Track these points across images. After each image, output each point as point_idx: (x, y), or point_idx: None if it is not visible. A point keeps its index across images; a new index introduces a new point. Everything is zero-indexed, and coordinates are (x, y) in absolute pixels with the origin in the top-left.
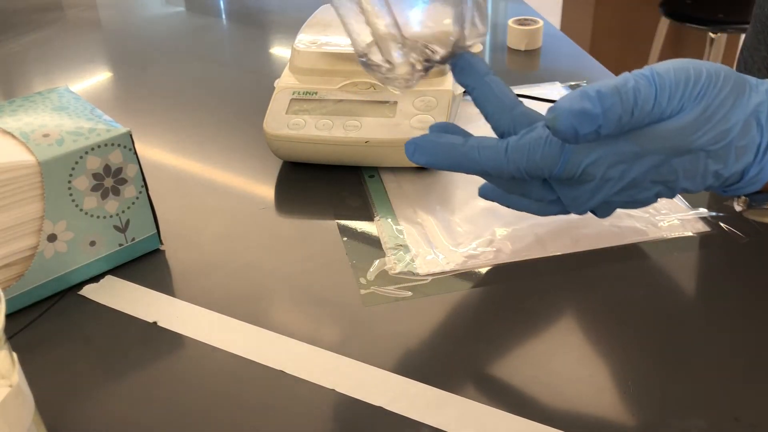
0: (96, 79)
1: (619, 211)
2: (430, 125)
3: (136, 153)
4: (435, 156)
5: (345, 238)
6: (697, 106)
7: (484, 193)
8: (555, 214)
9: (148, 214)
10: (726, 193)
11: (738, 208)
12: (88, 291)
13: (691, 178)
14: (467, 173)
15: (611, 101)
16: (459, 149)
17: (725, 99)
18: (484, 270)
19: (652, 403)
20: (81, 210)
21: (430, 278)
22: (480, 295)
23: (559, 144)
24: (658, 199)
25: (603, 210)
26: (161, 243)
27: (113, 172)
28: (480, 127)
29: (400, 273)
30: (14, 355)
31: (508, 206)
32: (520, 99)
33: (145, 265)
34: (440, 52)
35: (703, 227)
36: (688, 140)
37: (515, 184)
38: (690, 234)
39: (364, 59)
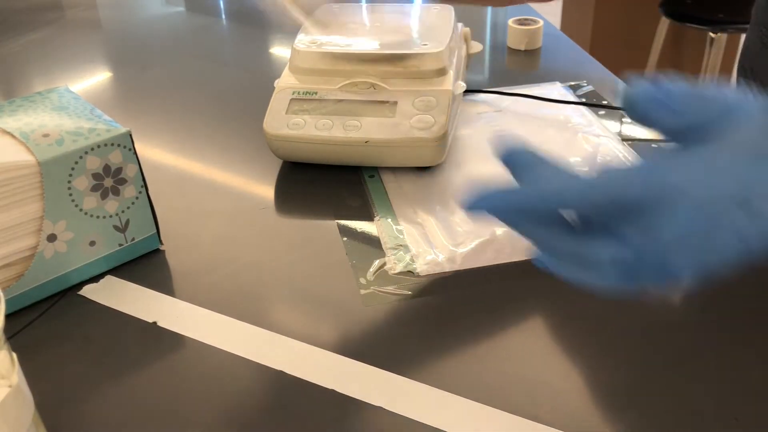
0: (96, 79)
1: None
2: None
3: (135, 153)
4: (502, 198)
5: (345, 238)
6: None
7: (541, 263)
8: (619, 281)
9: (147, 214)
10: None
11: None
12: (88, 291)
13: None
14: (538, 212)
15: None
16: (530, 184)
17: None
18: (484, 270)
19: (652, 403)
20: (81, 210)
21: (430, 278)
22: (480, 295)
23: (636, 165)
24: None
25: (679, 257)
26: (161, 243)
27: (113, 172)
28: (480, 127)
29: (400, 273)
30: (14, 355)
31: (568, 277)
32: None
33: (145, 265)
34: None
35: None
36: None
37: (575, 242)
38: None
39: None
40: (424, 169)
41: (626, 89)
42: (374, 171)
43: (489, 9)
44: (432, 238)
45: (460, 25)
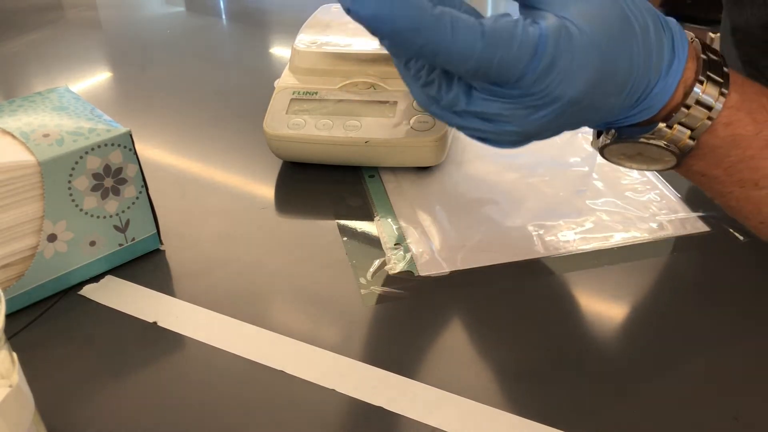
0: (96, 79)
1: (619, 211)
2: None
3: (136, 153)
4: (392, 8)
5: (345, 238)
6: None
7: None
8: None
9: (148, 214)
10: (608, 125)
11: (600, 143)
12: (88, 291)
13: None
14: (420, 50)
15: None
16: (426, 10)
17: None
18: (484, 270)
19: (652, 403)
20: (81, 210)
21: (430, 278)
22: (480, 295)
23: (536, 33)
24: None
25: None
26: (161, 243)
27: (113, 172)
28: None
29: (400, 273)
30: (14, 355)
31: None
32: None
33: (145, 265)
34: None
35: (703, 227)
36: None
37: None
38: (690, 234)
39: None
40: (424, 169)
41: None
42: (374, 171)
43: (489, 9)
44: (432, 238)
45: None
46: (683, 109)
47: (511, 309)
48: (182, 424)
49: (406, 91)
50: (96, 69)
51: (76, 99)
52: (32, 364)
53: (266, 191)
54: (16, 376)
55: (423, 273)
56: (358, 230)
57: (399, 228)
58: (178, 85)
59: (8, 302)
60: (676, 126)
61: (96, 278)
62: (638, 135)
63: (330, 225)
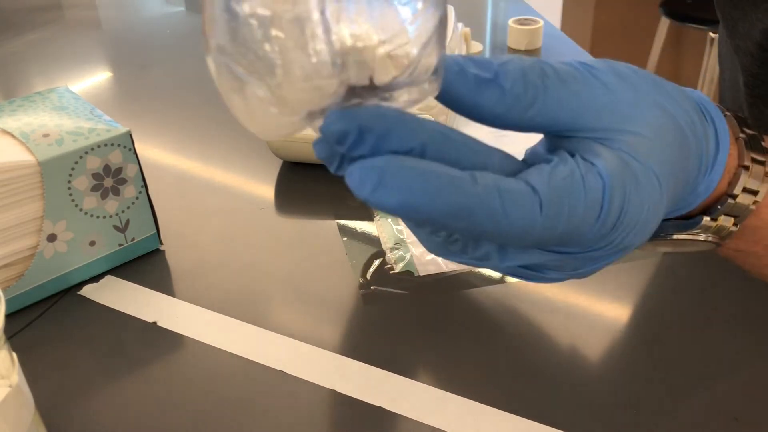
0: (96, 79)
1: None
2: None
3: (136, 153)
4: (424, 193)
5: (345, 238)
6: None
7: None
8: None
9: (147, 214)
10: None
11: None
12: (88, 291)
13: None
14: (461, 233)
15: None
16: (467, 189)
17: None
18: (483, 270)
19: (652, 403)
20: (81, 210)
21: (430, 278)
22: (480, 295)
23: (599, 185)
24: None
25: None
26: (161, 243)
27: (113, 172)
28: (479, 127)
29: (400, 273)
30: (14, 355)
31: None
32: None
33: (145, 265)
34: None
35: None
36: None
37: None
38: None
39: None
40: None
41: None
42: None
43: (489, 9)
44: None
45: (460, 25)
46: (729, 200)
47: (510, 309)
48: (182, 424)
49: None
50: (96, 69)
51: (76, 99)
52: (32, 364)
53: (266, 191)
54: (16, 376)
55: (423, 273)
56: (358, 230)
57: (399, 228)
58: (178, 85)
59: (8, 302)
60: (721, 217)
61: (96, 278)
62: (672, 231)
63: (330, 225)
